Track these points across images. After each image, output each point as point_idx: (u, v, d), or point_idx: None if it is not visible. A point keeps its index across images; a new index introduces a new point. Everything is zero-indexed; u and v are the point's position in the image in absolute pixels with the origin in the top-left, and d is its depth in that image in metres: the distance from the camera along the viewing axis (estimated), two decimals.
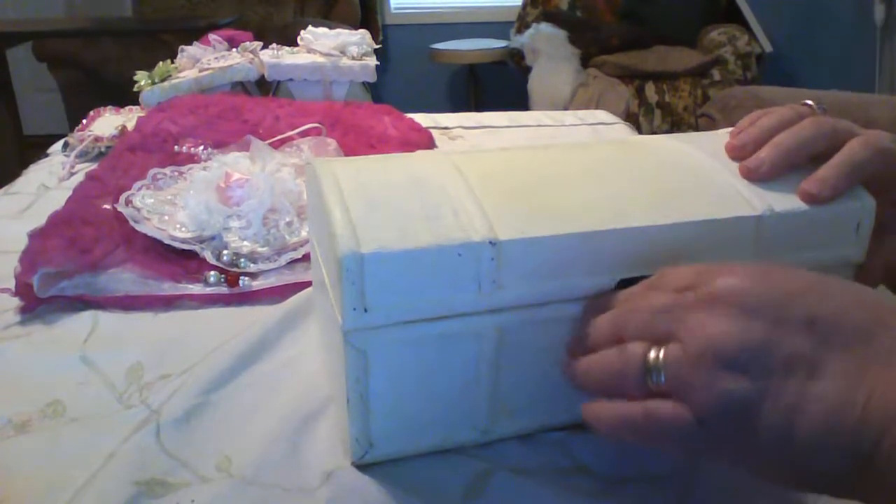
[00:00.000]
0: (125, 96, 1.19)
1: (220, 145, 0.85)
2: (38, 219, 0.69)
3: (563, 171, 0.45)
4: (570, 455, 0.44)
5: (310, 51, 1.20)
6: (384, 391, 0.40)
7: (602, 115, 1.20)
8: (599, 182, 0.44)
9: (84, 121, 1.08)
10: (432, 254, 0.37)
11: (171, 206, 0.70)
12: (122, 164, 0.81)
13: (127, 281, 0.62)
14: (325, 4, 3.33)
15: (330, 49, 1.19)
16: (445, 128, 1.11)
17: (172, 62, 1.16)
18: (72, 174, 0.93)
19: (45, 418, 0.47)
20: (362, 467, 0.42)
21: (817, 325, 0.31)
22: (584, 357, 0.38)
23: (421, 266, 0.37)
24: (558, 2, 3.26)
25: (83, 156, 0.99)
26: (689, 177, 0.45)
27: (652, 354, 0.33)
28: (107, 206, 0.71)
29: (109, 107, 1.14)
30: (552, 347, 0.42)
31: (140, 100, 1.10)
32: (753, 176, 0.44)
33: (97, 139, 1.01)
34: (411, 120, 1.03)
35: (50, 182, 0.91)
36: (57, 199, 0.77)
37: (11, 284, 0.61)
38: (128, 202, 0.70)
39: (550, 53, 2.99)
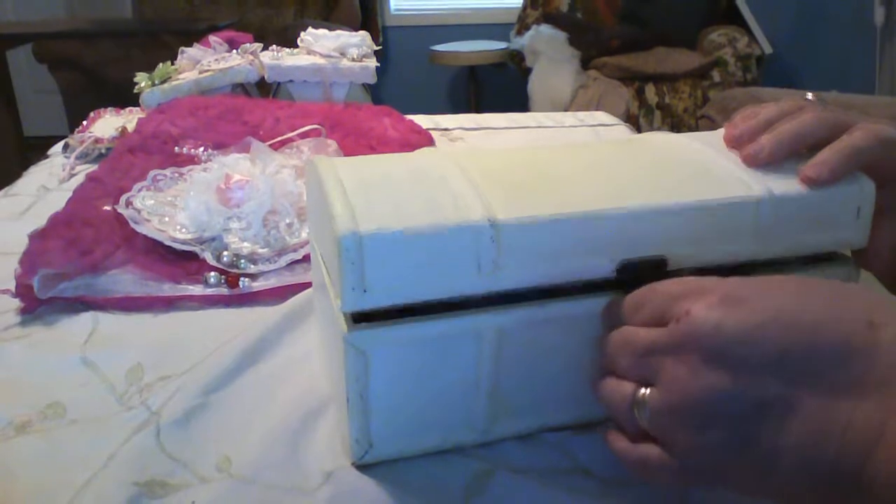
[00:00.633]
0: (125, 98, 1.19)
1: (221, 147, 0.85)
2: (39, 220, 0.69)
3: (565, 166, 0.45)
4: (570, 455, 0.44)
5: (310, 52, 1.20)
6: (384, 391, 0.40)
7: (602, 116, 1.20)
8: (601, 174, 0.44)
9: (84, 122, 1.08)
10: (431, 234, 0.37)
11: (171, 208, 0.70)
12: (122, 165, 0.81)
13: (127, 282, 0.62)
14: (325, 6, 3.33)
15: (330, 51, 1.19)
16: (445, 129, 1.12)
17: (172, 64, 1.16)
18: (72, 175, 0.93)
19: (46, 419, 0.47)
20: (362, 467, 0.42)
21: (787, 360, 0.30)
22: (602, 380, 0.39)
23: (420, 246, 0.37)
24: (558, 3, 3.26)
25: (83, 157, 0.99)
26: (690, 165, 0.45)
27: (640, 393, 0.35)
28: (107, 208, 0.71)
29: (110, 108, 1.14)
30: (552, 347, 0.42)
31: (140, 101, 1.10)
32: (754, 162, 0.44)
33: (97, 140, 1.01)
34: (411, 121, 1.03)
35: (50, 183, 0.91)
36: (57, 200, 0.77)
37: (11, 286, 0.61)
38: (128, 203, 0.70)
39: (551, 55, 2.99)
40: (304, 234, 0.68)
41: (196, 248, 0.66)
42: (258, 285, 0.63)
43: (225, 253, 0.65)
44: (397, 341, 0.39)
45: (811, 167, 0.42)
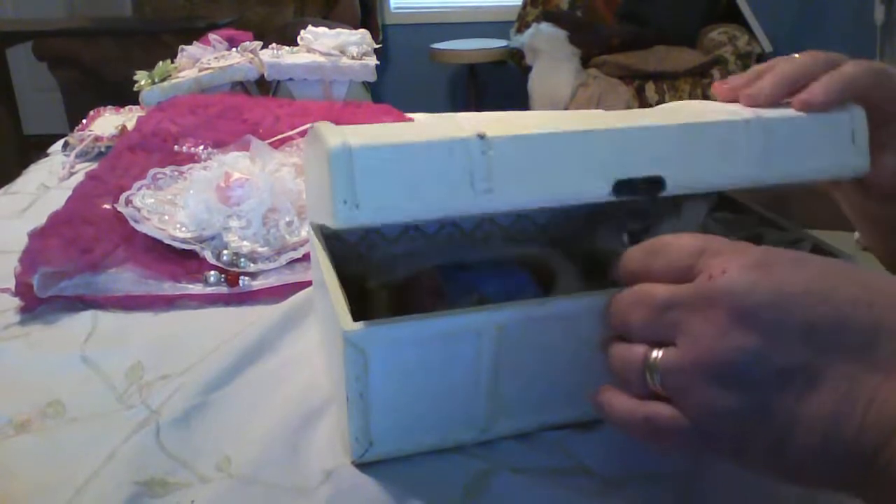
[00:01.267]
0: (125, 96, 1.19)
1: (220, 145, 0.85)
2: (38, 218, 0.69)
3: (566, 116, 0.45)
4: (570, 455, 0.44)
5: (310, 50, 1.20)
6: (384, 390, 0.40)
7: None
8: (598, 118, 0.44)
9: (84, 120, 1.08)
10: (422, 149, 0.37)
11: (171, 206, 0.70)
12: (122, 163, 0.81)
13: (127, 281, 0.62)
14: (325, 4, 3.33)
15: (330, 49, 1.19)
16: None
17: (172, 62, 1.16)
18: (72, 174, 0.93)
19: (45, 418, 0.47)
20: (362, 466, 0.42)
21: (815, 333, 0.30)
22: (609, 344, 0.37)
23: (411, 162, 0.37)
24: (558, 1, 3.26)
25: (83, 155, 0.99)
26: (685, 107, 0.46)
27: (652, 355, 0.33)
28: (107, 206, 0.71)
29: (109, 106, 1.14)
30: (552, 347, 0.42)
31: (140, 99, 1.10)
32: (754, 102, 0.44)
33: (97, 139, 1.01)
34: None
35: (50, 182, 0.91)
36: (57, 198, 0.77)
37: (11, 284, 0.61)
38: (128, 202, 0.70)
39: (550, 53, 2.99)
40: (304, 233, 0.68)
41: (196, 247, 0.66)
42: (258, 284, 0.63)
43: (225, 251, 0.65)
44: (397, 340, 0.39)
45: (805, 91, 0.43)
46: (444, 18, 3.79)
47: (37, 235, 0.64)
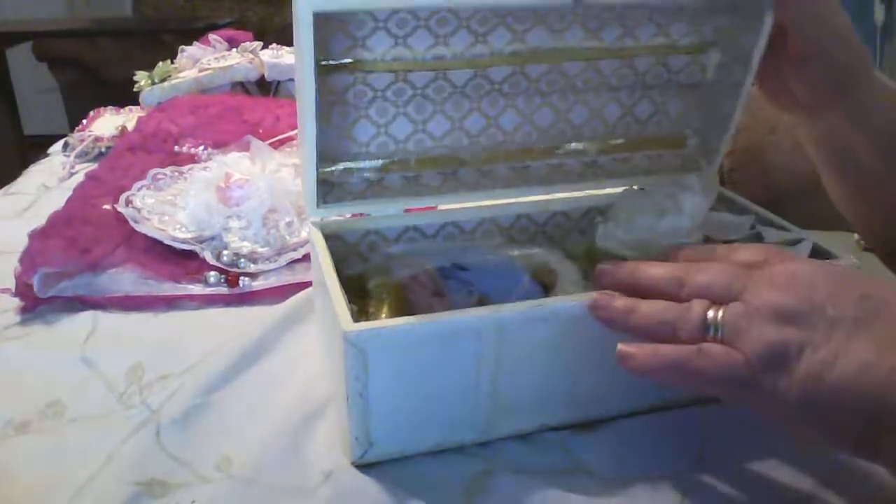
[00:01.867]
0: (125, 96, 1.19)
1: (220, 145, 0.85)
2: (39, 219, 0.69)
3: None
4: (570, 455, 0.44)
5: None
6: (384, 390, 0.40)
7: None
8: None
9: (84, 121, 1.08)
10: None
11: (171, 207, 0.70)
12: (122, 164, 0.81)
13: (127, 281, 0.62)
14: None
15: None
16: None
17: (172, 62, 1.16)
18: (72, 174, 0.93)
19: (46, 418, 0.47)
20: (362, 467, 0.42)
21: (869, 300, 0.34)
22: (630, 300, 0.40)
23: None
24: None
25: (83, 156, 0.99)
26: None
27: (711, 313, 0.36)
28: (107, 207, 0.71)
29: (109, 107, 1.14)
30: (552, 347, 0.42)
31: (140, 100, 1.10)
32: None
33: (97, 139, 1.01)
34: None
35: (50, 182, 0.91)
36: (57, 199, 0.77)
37: (11, 284, 0.61)
38: (128, 202, 0.70)
39: None
40: (304, 233, 0.68)
41: (196, 247, 0.66)
42: (258, 284, 0.63)
43: (225, 252, 0.65)
44: (397, 341, 0.39)
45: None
46: None
47: (37, 236, 0.64)
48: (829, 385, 0.32)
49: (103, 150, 1.00)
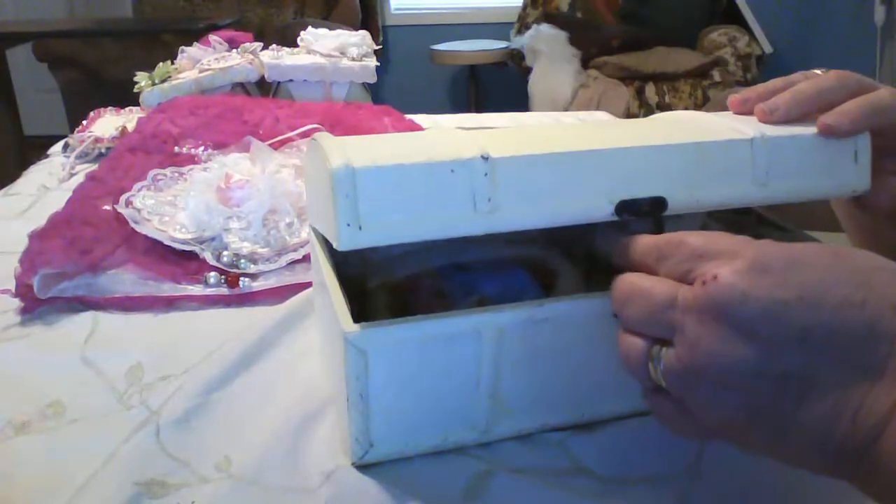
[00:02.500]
0: (125, 97, 1.19)
1: (221, 146, 0.85)
2: (39, 220, 0.69)
3: (568, 131, 0.45)
4: (570, 455, 0.44)
5: (310, 52, 1.20)
6: (384, 391, 0.40)
7: (602, 115, 1.20)
8: (601, 132, 0.44)
9: (84, 122, 1.08)
10: (425, 170, 0.37)
11: (171, 207, 0.70)
12: (122, 164, 0.81)
13: (127, 282, 0.62)
14: (325, 5, 3.33)
15: (330, 50, 1.19)
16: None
17: (172, 63, 1.16)
18: (72, 175, 0.93)
19: (46, 419, 0.47)
20: (362, 467, 0.42)
21: (810, 339, 0.30)
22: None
23: (414, 183, 0.37)
24: (558, 3, 3.26)
25: (83, 157, 0.99)
26: (689, 121, 0.46)
27: (654, 349, 0.34)
28: (107, 207, 0.71)
29: (110, 108, 1.14)
30: (552, 347, 0.42)
31: (140, 100, 1.10)
32: (768, 118, 0.43)
33: (97, 140, 1.01)
34: (411, 121, 1.03)
35: (50, 183, 0.91)
36: (57, 199, 0.77)
37: (11, 285, 0.61)
38: (128, 203, 0.70)
39: (551, 54, 2.99)
40: (304, 234, 0.68)
41: (196, 248, 0.66)
42: (258, 285, 0.63)
43: (225, 253, 0.65)
44: (397, 341, 0.39)
45: (831, 115, 0.42)
46: (444, 20, 3.79)
47: (37, 236, 0.64)
48: (789, 449, 0.32)
49: (103, 150, 1.00)
